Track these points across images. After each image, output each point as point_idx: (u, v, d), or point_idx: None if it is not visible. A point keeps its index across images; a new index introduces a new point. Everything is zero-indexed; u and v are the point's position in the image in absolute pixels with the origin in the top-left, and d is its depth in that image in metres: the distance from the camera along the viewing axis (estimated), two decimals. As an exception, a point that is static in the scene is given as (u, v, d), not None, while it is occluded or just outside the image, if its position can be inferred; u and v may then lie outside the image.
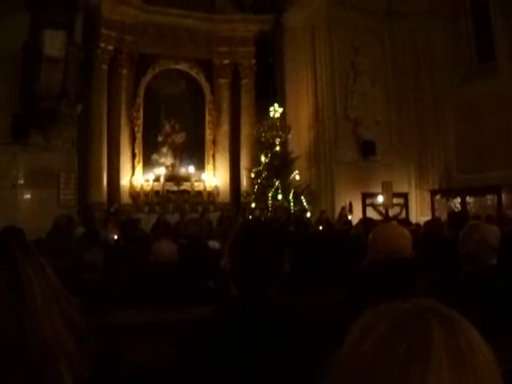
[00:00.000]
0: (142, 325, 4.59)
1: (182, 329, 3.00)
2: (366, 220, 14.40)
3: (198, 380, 2.62)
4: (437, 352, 1.18)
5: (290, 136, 21.57)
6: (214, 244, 9.96)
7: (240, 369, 2.57)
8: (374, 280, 3.95)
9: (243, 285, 2.87)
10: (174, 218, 16.68)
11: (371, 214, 21.20)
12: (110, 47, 20.96)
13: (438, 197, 22.27)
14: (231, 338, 2.67)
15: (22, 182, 18.93)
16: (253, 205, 20.64)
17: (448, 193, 21.67)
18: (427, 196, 22.61)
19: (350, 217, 19.53)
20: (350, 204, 20.88)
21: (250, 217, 19.34)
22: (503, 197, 19.51)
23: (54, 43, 18.06)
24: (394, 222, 8.13)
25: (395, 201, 22.10)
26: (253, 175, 21.44)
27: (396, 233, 4.41)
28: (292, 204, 20.59)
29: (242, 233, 3.01)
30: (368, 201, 21.86)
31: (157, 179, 21.32)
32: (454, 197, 21.33)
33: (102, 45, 20.78)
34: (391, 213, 21.59)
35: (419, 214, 22.06)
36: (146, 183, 21.27)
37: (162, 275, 5.60)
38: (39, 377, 2.22)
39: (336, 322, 2.60)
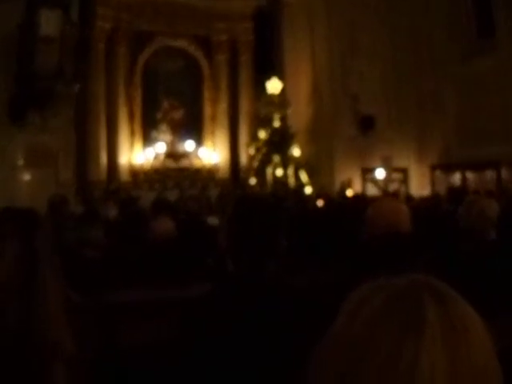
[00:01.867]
0: (142, 304, 4.60)
1: (182, 307, 3.00)
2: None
3: (198, 359, 2.62)
4: (430, 328, 1.18)
5: (289, 111, 21.54)
6: (213, 220, 9.97)
7: (238, 346, 2.57)
8: (373, 255, 3.94)
9: (241, 261, 2.86)
10: (173, 195, 16.69)
11: (371, 189, 21.25)
12: (107, 25, 20.84)
13: (437, 172, 22.27)
14: (228, 316, 2.66)
15: (20, 162, 18.94)
16: (252, 180, 20.69)
17: (448, 168, 21.66)
18: (427, 171, 22.60)
19: (350, 192, 19.57)
20: (350, 180, 20.92)
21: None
22: (503, 172, 19.52)
23: (50, 23, 18.00)
24: (392, 198, 8.19)
25: (395, 176, 22.13)
26: (252, 151, 21.47)
27: (393, 208, 4.40)
28: (291, 179, 20.62)
29: (239, 208, 2.98)
30: (368, 176, 21.89)
31: (156, 156, 21.28)
32: (454, 172, 21.34)
33: (99, 23, 20.66)
34: (391, 188, 21.60)
35: (419, 189, 22.05)
36: (145, 161, 21.22)
37: (160, 253, 5.61)
38: (35, 376, 2.21)
39: (335, 298, 2.60)
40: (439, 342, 1.17)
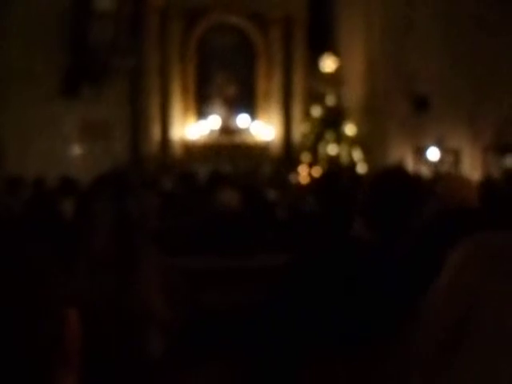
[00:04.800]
0: (219, 271, 4.63)
1: (253, 276, 3.01)
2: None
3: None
4: None
5: (343, 89, 21.52)
6: (270, 194, 10.03)
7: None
8: (443, 229, 3.95)
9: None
10: (226, 171, 16.77)
11: (423, 169, 21.08)
12: (161, 0, 20.89)
13: (490, 154, 21.94)
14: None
15: (73, 135, 19.16)
16: (305, 157, 20.74)
17: (501, 150, 21.33)
18: (479, 153, 22.29)
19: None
20: (402, 159, 20.81)
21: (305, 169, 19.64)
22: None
23: (104, -4, 18.21)
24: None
25: (446, 157, 21.90)
26: (305, 128, 21.49)
27: (465, 184, 4.45)
28: (344, 157, 20.66)
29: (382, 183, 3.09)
30: (419, 156, 21.71)
31: (209, 132, 21.40)
32: (508, 154, 21.02)
33: (152, -3, 20.75)
34: (443, 169, 21.39)
35: (471, 171, 21.77)
36: (198, 136, 21.32)
37: (227, 223, 5.64)
38: (132, 341, 2.22)
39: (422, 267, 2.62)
40: None
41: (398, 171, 3.21)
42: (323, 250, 2.97)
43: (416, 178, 3.16)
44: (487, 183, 12.03)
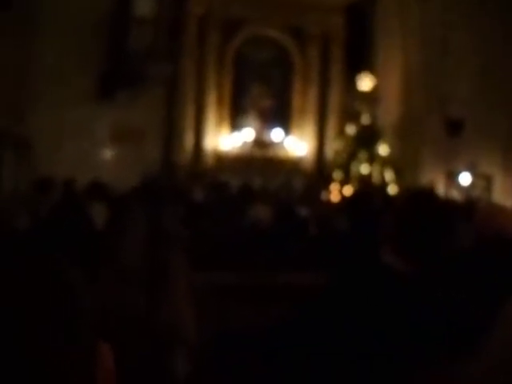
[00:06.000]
0: (250, 287, 4.54)
1: (283, 292, 2.94)
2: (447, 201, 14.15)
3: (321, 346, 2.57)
4: None
5: (378, 108, 21.45)
6: (302, 210, 9.93)
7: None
8: (481, 258, 3.88)
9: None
10: (258, 184, 16.76)
11: (454, 194, 20.92)
12: (199, 9, 20.98)
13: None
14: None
15: (106, 139, 19.23)
16: (336, 175, 20.68)
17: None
18: (512, 179, 22.08)
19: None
20: (433, 182, 20.67)
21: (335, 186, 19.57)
22: None
23: (144, 3, 18.26)
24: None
25: (478, 182, 21.72)
26: (338, 146, 21.47)
27: (501, 211, 4.39)
28: (376, 177, 20.58)
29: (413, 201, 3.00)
30: (451, 180, 21.56)
31: (242, 144, 21.45)
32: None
33: (191, 6, 20.82)
34: (474, 194, 21.21)
35: (503, 198, 21.55)
36: (231, 147, 21.40)
37: (258, 238, 5.57)
38: (158, 358, 2.14)
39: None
40: None
41: (430, 196, 3.10)
42: (354, 276, 2.89)
43: (449, 204, 3.09)
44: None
